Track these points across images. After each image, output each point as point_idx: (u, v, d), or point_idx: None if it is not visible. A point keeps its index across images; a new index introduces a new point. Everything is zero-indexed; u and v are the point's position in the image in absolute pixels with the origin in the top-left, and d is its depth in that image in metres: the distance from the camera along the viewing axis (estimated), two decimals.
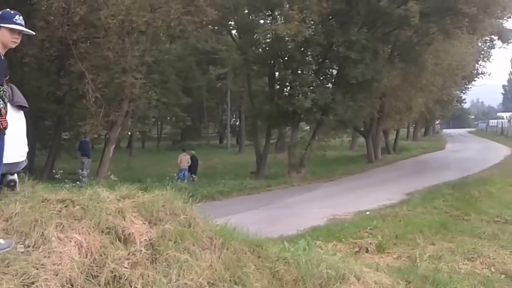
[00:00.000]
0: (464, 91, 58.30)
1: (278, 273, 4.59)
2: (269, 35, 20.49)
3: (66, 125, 24.56)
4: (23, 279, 2.94)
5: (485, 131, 74.34)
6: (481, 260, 8.34)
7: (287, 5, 20.20)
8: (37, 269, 3.05)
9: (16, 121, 3.62)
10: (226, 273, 3.92)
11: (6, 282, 2.88)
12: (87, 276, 3.23)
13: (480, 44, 42.05)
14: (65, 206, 3.66)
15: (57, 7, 18.29)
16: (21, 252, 3.15)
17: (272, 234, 8.88)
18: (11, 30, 3.46)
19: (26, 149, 3.80)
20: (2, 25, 3.43)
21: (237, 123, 55.07)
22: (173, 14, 18.47)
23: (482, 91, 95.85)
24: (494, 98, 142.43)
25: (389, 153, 36.93)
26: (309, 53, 22.21)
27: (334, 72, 24.11)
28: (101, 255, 3.37)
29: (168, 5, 18.55)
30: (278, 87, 23.70)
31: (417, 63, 24.93)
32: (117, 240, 3.58)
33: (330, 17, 21.65)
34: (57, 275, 3.07)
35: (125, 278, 3.33)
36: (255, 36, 21.75)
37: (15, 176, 3.78)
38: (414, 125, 56.48)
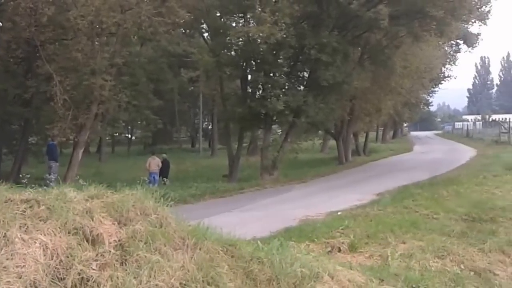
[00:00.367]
0: (431, 94, 59.66)
1: (252, 273, 4.55)
2: (241, 38, 20.44)
3: (33, 128, 23.92)
4: None
5: (451, 133, 76.07)
6: (451, 258, 8.48)
7: (259, 8, 20.24)
8: None
9: None
10: (199, 274, 3.85)
11: None
12: (52, 278, 3.11)
13: (446, 48, 43.08)
14: (30, 207, 3.52)
15: (24, 7, 17.78)
16: None
17: (245, 235, 8.77)
18: None
19: None
20: None
21: (210, 126, 54.85)
22: (144, 15, 18.19)
23: (448, 94, 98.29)
24: (460, 102, 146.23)
25: (359, 155, 37.35)
26: (281, 55, 22.26)
27: (306, 74, 24.22)
28: (67, 257, 3.25)
29: (139, 6, 18.27)
30: (250, 89, 23.65)
31: (386, 66, 25.32)
32: (85, 241, 3.47)
33: (302, 19, 21.77)
34: (20, 278, 2.94)
35: (93, 280, 3.23)
36: (227, 39, 21.69)
37: None
38: (383, 128, 57.40)
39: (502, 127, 47.64)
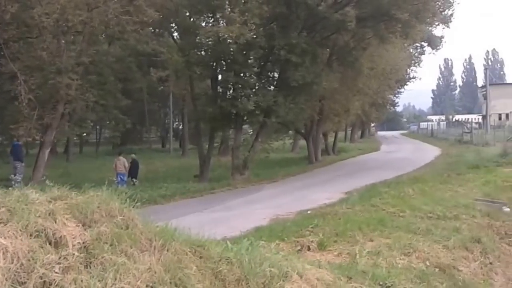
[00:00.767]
0: (397, 95, 60.92)
1: (221, 273, 4.53)
2: (211, 37, 20.35)
3: None
4: None
5: (417, 133, 77.76)
6: (416, 255, 8.65)
7: (229, 8, 20.21)
8: None
9: None
10: (166, 275, 3.80)
11: None
12: (13, 282, 3.02)
13: (411, 50, 43.98)
14: None
15: None
16: None
17: (215, 236, 8.73)
18: None
19: None
20: None
21: (180, 126, 54.41)
22: (111, 14, 17.88)
23: (413, 95, 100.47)
24: (424, 102, 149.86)
25: (329, 155, 37.75)
26: (251, 55, 22.29)
27: (276, 75, 24.34)
28: (29, 260, 3.16)
29: (106, 4, 17.94)
30: (221, 89, 23.59)
31: (354, 67, 25.68)
32: (47, 244, 3.38)
33: (271, 20, 21.84)
34: None
35: (56, 283, 3.15)
36: (197, 38, 21.57)
37: None
38: (351, 128, 58.18)
39: (465, 127, 48.95)
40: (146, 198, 15.66)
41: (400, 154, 37.76)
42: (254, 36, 19.50)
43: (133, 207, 4.41)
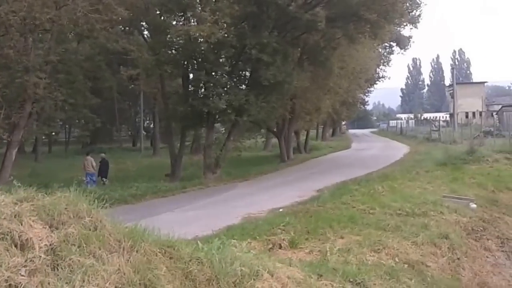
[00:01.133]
0: (367, 94, 61.86)
1: (191, 274, 4.52)
2: (181, 36, 20.21)
3: None
4: None
5: (386, 131, 78.90)
6: (386, 251, 8.80)
7: (199, 7, 20.11)
8: None
9: None
10: (135, 277, 3.78)
11: None
12: None
13: (380, 50, 44.65)
14: None
15: None
16: None
17: (187, 235, 8.73)
18: None
19: None
20: None
21: (151, 125, 53.92)
22: (80, 12, 17.57)
23: (383, 94, 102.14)
24: (394, 101, 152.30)
25: (301, 153, 37.97)
26: (223, 54, 22.23)
27: (248, 74, 24.35)
28: None
29: (74, 2, 17.62)
30: (192, 88, 23.45)
31: (324, 67, 25.91)
32: (13, 246, 3.32)
33: (242, 20, 21.83)
34: None
35: (22, 286, 3.10)
36: (167, 37, 21.37)
37: None
38: (322, 126, 58.66)
39: (433, 125, 49.97)
40: (116, 198, 15.48)
41: (370, 151, 38.32)
42: (225, 35, 19.46)
43: (101, 208, 4.36)
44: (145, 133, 51.69)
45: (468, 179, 17.78)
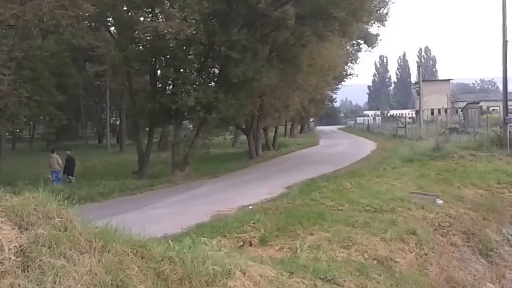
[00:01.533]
0: (334, 91, 62.54)
1: (163, 273, 4.49)
2: (149, 33, 19.95)
3: None
4: None
5: (354, 128, 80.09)
6: (355, 248, 8.87)
7: (168, 3, 19.86)
8: None
9: None
10: (107, 277, 3.72)
11: None
12: None
13: (348, 48, 45.15)
14: None
15: None
16: None
17: (156, 233, 8.65)
18: None
19: None
20: None
21: (118, 122, 53.21)
22: (45, 8, 17.13)
23: (350, 91, 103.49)
24: (361, 98, 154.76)
25: (269, 150, 38.11)
26: (192, 51, 22.04)
27: (217, 71, 24.26)
28: None
29: None
30: (160, 85, 23.21)
31: (294, 64, 26.06)
32: None
33: (211, 16, 21.71)
34: None
35: None
36: (135, 33, 21.05)
37: None
38: (291, 123, 59.04)
39: (400, 122, 50.97)
40: (83, 196, 15.25)
41: (338, 148, 38.80)
42: (194, 32, 19.28)
43: (71, 208, 4.28)
44: (111, 132, 50.91)
45: (434, 176, 18.06)
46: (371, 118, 76.55)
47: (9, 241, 3.38)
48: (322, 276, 6.94)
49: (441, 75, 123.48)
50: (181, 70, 21.70)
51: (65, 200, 4.26)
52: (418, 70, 64.95)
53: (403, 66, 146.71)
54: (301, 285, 6.17)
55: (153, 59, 22.42)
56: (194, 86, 21.64)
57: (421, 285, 8.34)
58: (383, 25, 31.20)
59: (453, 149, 24.99)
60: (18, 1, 17.40)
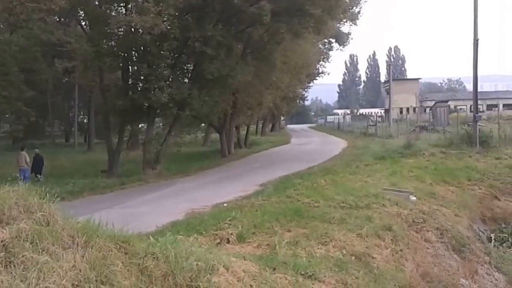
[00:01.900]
0: (306, 89, 62.71)
1: (147, 269, 4.41)
2: (123, 27, 19.56)
3: None
4: None
5: (324, 126, 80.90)
6: (333, 244, 8.91)
7: None
8: None
9: None
10: (91, 273, 3.60)
11: None
12: None
13: (320, 46, 45.39)
14: None
15: None
16: None
17: (130, 232, 8.46)
18: None
19: None
20: None
21: (85, 120, 52.25)
22: (16, 1, 16.54)
23: (321, 89, 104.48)
24: (331, 96, 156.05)
25: (241, 148, 38.12)
26: (165, 47, 21.70)
27: (191, 67, 24.00)
28: None
29: None
30: (132, 81, 22.81)
31: (268, 61, 25.98)
32: None
33: (186, 12, 21.44)
34: None
35: None
36: (106, 28, 20.60)
37: None
38: (262, 121, 59.08)
39: (370, 120, 51.64)
40: (52, 195, 14.79)
41: (310, 146, 39.03)
42: (169, 27, 19.01)
43: (52, 202, 4.12)
44: (78, 131, 49.95)
45: (406, 172, 18.37)
46: (341, 116, 77.33)
47: None
48: (303, 272, 6.95)
49: (409, 75, 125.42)
50: (155, 66, 21.35)
51: (47, 194, 4.09)
52: (388, 69, 65.85)
53: (373, 65, 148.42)
54: (283, 280, 6.14)
55: (126, 54, 22.04)
56: (168, 82, 21.33)
57: (398, 280, 8.41)
58: (355, 24, 31.51)
59: (423, 146, 25.45)
60: None
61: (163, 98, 20.14)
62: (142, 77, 21.84)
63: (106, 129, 25.34)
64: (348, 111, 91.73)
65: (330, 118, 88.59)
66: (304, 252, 8.21)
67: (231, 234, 9.27)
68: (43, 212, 3.80)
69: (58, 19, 24.01)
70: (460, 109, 50.76)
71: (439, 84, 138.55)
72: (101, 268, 3.76)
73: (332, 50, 48.89)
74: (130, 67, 22.61)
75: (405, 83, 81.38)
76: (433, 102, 61.78)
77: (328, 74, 67.93)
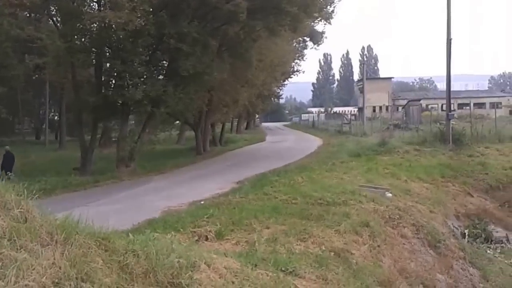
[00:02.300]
0: (281, 88, 62.89)
1: (128, 266, 4.33)
2: (96, 23, 19.17)
3: None
4: None
5: (299, 124, 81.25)
6: (312, 240, 8.93)
7: None
8: None
9: None
10: (72, 270, 3.50)
11: None
12: None
13: (295, 44, 45.51)
14: None
15: None
16: None
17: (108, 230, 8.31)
18: None
19: None
20: None
21: (56, 117, 51.28)
22: None
23: (295, 88, 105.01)
24: (305, 95, 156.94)
25: (216, 146, 37.94)
26: (140, 43, 21.42)
27: (166, 64, 23.73)
28: None
29: None
30: (106, 77, 22.41)
31: (244, 59, 25.88)
32: None
33: (162, 8, 21.16)
34: None
35: None
36: (79, 24, 20.16)
37: None
38: (237, 119, 58.98)
39: (344, 118, 52.18)
40: (30, 192, 14.42)
41: (285, 144, 39.16)
42: (143, 24, 18.74)
43: (30, 199, 3.99)
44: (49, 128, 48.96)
45: (382, 169, 18.58)
46: (316, 115, 77.83)
47: None
48: (283, 268, 6.92)
49: (382, 74, 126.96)
50: (129, 62, 21.01)
51: (25, 191, 3.96)
52: (362, 68, 66.69)
53: (347, 64, 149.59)
54: (265, 277, 6.10)
55: (99, 51, 21.64)
56: (142, 79, 21.06)
57: (377, 276, 8.48)
58: (329, 23, 31.60)
59: (398, 144, 25.75)
60: None
61: (138, 95, 19.87)
62: (115, 74, 21.50)
63: (78, 126, 24.89)
64: (322, 110, 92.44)
65: (305, 117, 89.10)
66: (284, 249, 8.19)
67: (210, 231, 9.20)
68: (21, 209, 3.67)
69: (28, 15, 23.42)
70: (432, 107, 51.61)
71: (411, 83, 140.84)
72: (81, 265, 3.66)
73: (306, 48, 49.19)
74: (103, 63, 22.22)
75: (378, 82, 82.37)
76: (405, 101, 62.80)
77: (303, 72, 68.30)
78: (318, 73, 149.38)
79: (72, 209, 12.77)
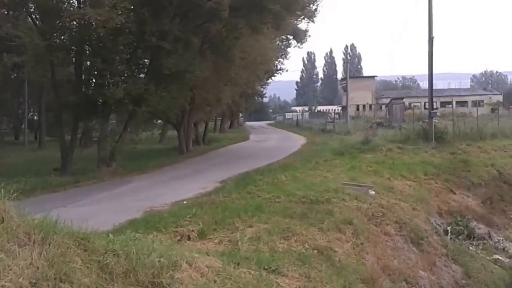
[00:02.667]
0: (264, 86, 62.96)
1: (108, 266, 4.27)
2: (76, 20, 18.90)
3: None
4: None
5: (283, 123, 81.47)
6: (295, 238, 8.91)
7: None
8: None
9: None
10: (50, 271, 3.43)
11: None
12: None
13: (278, 43, 45.52)
14: None
15: None
16: None
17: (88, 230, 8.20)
18: None
19: None
20: None
21: (35, 117, 50.59)
22: None
23: (279, 87, 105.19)
24: (289, 94, 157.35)
25: (199, 145, 37.82)
26: (121, 41, 21.20)
27: (148, 62, 23.54)
28: None
29: None
30: (86, 76, 22.13)
31: (226, 57, 25.76)
32: None
33: (143, 5, 20.97)
34: None
35: None
36: (58, 22, 19.85)
37: None
38: (221, 118, 58.85)
39: (328, 117, 52.49)
40: (7, 191, 14.16)
41: (269, 143, 39.22)
42: (124, 21, 18.53)
43: (7, 198, 3.90)
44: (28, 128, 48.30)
45: (365, 167, 18.61)
46: (300, 113, 78.14)
47: None
48: (266, 267, 6.89)
49: (365, 72, 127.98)
50: (110, 61, 20.77)
51: (1, 190, 3.87)
52: (345, 67, 67.20)
53: (330, 63, 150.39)
54: (247, 275, 6.07)
55: (79, 49, 21.35)
56: (123, 77, 20.87)
57: (360, 273, 8.51)
58: (313, 21, 31.73)
59: (381, 142, 25.86)
60: None
61: (118, 93, 19.63)
62: (96, 72, 21.25)
63: (58, 126, 24.53)
64: (306, 108, 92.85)
65: (288, 115, 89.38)
66: (267, 247, 8.17)
67: (192, 230, 9.12)
68: None
69: (6, 12, 23.00)
70: (415, 106, 52.31)
71: (394, 82, 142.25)
72: (59, 266, 3.60)
73: (290, 47, 49.26)
74: (83, 61, 21.93)
75: (361, 81, 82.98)
76: (388, 100, 63.40)
77: (287, 71, 68.42)
78: (302, 71, 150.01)
79: (51, 209, 12.64)
